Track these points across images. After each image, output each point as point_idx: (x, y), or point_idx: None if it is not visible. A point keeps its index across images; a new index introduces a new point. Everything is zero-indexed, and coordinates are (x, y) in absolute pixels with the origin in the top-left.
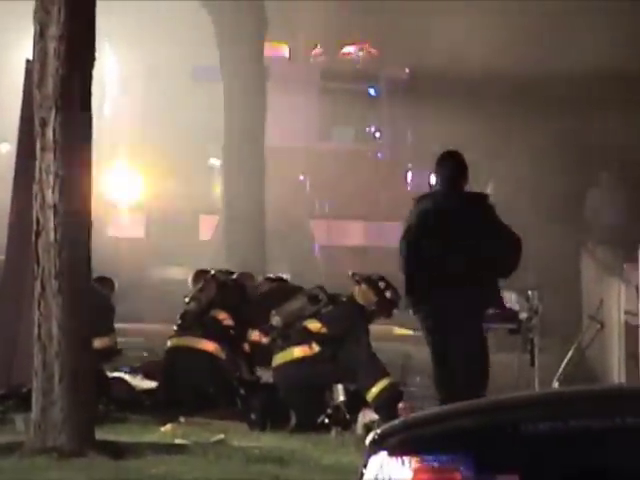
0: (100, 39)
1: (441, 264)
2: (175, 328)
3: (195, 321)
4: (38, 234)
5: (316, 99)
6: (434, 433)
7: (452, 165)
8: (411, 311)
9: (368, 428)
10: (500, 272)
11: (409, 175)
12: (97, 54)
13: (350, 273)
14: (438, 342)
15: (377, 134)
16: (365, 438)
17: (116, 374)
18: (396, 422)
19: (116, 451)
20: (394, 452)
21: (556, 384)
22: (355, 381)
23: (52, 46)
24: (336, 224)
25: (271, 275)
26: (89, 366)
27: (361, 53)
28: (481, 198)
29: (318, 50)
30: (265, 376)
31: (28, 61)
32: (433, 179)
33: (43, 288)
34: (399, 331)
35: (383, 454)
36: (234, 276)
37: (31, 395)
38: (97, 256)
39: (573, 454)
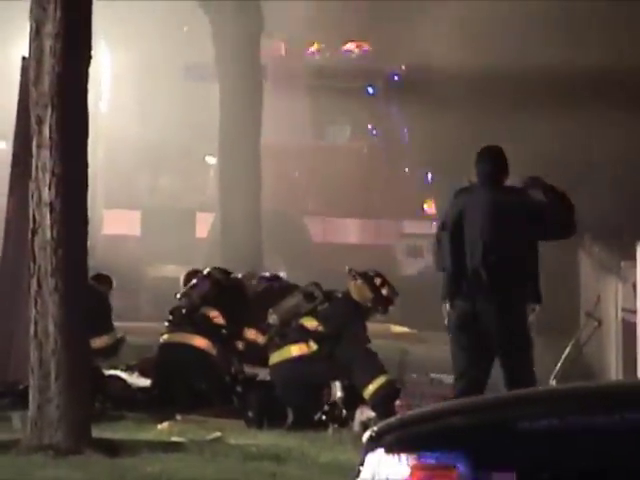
0: (96, 37)
1: (484, 259)
2: (166, 324)
3: (185, 317)
4: (34, 232)
5: (312, 97)
6: (431, 430)
7: (493, 160)
8: (447, 305)
9: (365, 425)
10: (558, 233)
11: (406, 173)
12: (93, 52)
13: (347, 269)
14: (469, 338)
15: (374, 132)
16: (362, 435)
17: (112, 372)
18: (393, 419)
19: (112, 449)
20: (391, 449)
21: (553, 381)
22: (352, 378)
23: (48, 44)
24: (332, 222)
25: (266, 274)
26: (85, 364)
27: (358, 51)
28: (522, 192)
29: (315, 48)
30: (262, 374)
31: (24, 58)
32: (473, 176)
33: (39, 286)
34: (397, 329)
35: (380, 451)
36: (239, 276)
37: (27, 392)
38: (93, 254)
39: (570, 451)
